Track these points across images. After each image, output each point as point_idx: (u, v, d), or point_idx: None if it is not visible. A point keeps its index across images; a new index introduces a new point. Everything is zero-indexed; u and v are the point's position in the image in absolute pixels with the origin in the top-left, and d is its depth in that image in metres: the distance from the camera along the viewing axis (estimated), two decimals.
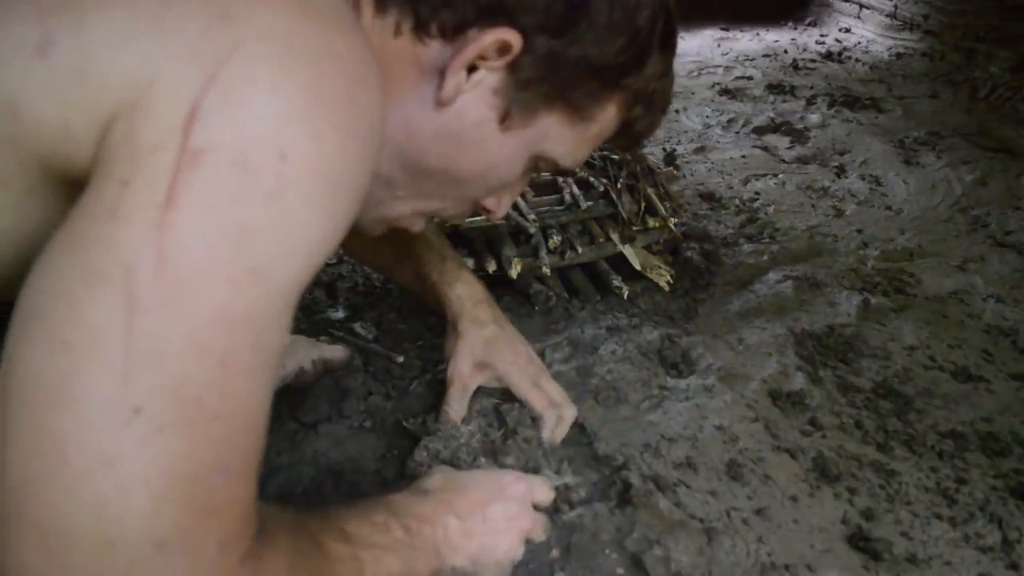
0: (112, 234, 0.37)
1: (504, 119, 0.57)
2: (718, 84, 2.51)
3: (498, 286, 1.19)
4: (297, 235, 0.41)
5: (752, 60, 2.82)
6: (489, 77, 0.56)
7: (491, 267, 1.16)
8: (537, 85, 0.56)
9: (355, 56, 0.43)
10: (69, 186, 0.42)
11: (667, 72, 0.63)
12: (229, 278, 0.38)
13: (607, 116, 0.62)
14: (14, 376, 0.37)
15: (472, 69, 0.55)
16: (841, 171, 1.85)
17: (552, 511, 0.78)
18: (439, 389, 0.97)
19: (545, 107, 0.58)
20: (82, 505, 0.36)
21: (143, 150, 0.38)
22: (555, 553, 0.74)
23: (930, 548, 0.78)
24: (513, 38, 0.53)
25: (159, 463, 0.37)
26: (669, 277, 1.26)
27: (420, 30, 0.54)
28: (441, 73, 0.54)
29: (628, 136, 0.66)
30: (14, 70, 0.39)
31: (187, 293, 0.37)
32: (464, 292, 0.91)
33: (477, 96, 0.56)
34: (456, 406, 0.87)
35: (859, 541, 0.77)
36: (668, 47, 0.62)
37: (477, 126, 0.57)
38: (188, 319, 0.37)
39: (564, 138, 0.61)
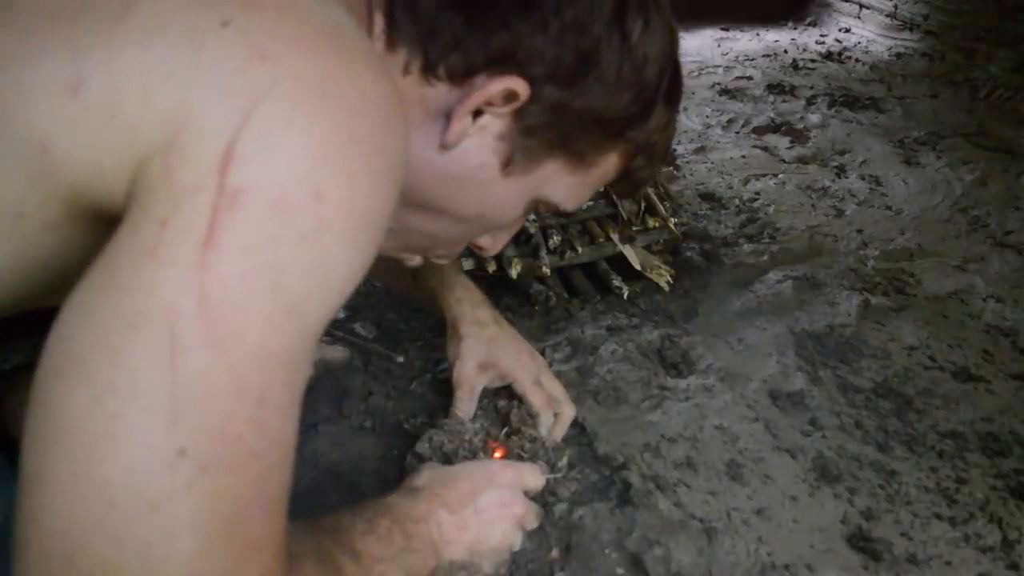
0: (153, 275, 0.37)
1: (507, 164, 0.58)
2: (718, 84, 2.51)
3: (498, 286, 1.19)
4: (330, 273, 0.41)
5: (752, 60, 2.82)
6: (494, 123, 0.56)
7: (491, 267, 1.16)
8: (542, 133, 0.57)
9: (384, 98, 0.43)
10: (95, 221, 0.42)
11: (670, 124, 0.64)
12: (267, 317, 0.38)
13: (608, 164, 0.62)
14: (54, 422, 0.36)
15: (478, 113, 0.55)
16: (841, 171, 1.85)
17: (541, 504, 0.78)
18: (439, 389, 0.97)
19: (548, 154, 0.59)
20: (128, 550, 0.35)
21: (181, 190, 0.37)
22: (555, 553, 0.74)
23: (930, 548, 0.78)
24: (521, 87, 0.53)
25: (204, 505, 0.37)
26: (669, 277, 1.26)
27: (428, 71, 0.54)
28: (446, 115, 0.54)
29: (627, 183, 0.67)
30: (45, 108, 0.39)
31: (229, 333, 0.37)
32: (463, 295, 0.92)
33: (481, 140, 0.56)
34: (465, 408, 0.88)
35: (859, 541, 0.77)
36: (673, 100, 0.63)
37: (479, 169, 0.57)
38: (230, 359, 0.37)
39: (565, 184, 0.62)
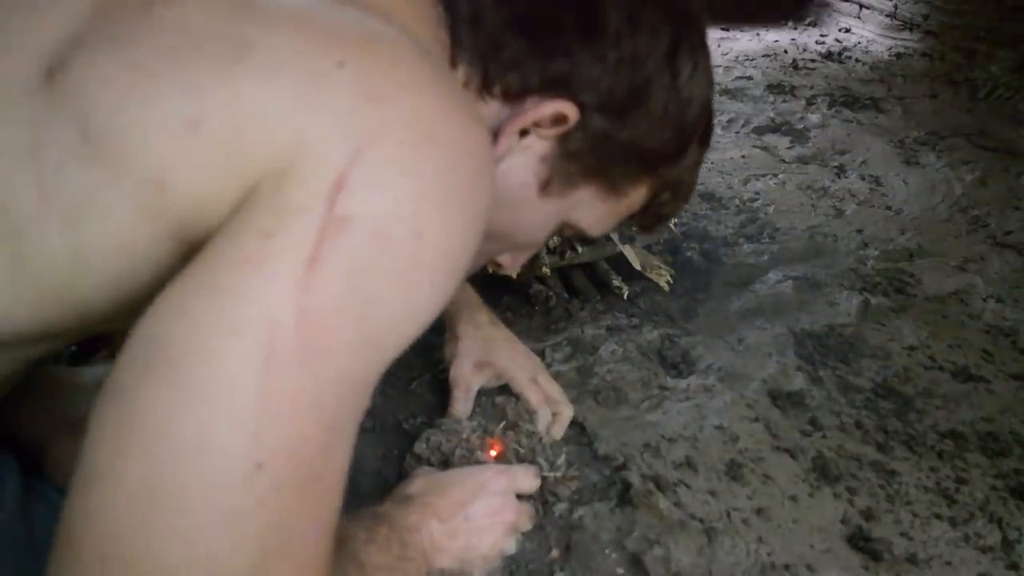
0: (254, 284, 0.37)
1: (545, 186, 0.59)
2: (718, 84, 2.51)
3: (498, 286, 1.19)
4: (414, 311, 0.42)
5: (752, 60, 2.82)
6: (539, 144, 0.57)
7: (491, 267, 1.15)
8: (583, 159, 0.58)
9: (481, 145, 0.45)
10: (193, 247, 0.42)
11: (698, 164, 0.66)
12: (354, 344, 0.39)
13: (638, 195, 0.64)
14: (135, 420, 0.36)
15: (523, 133, 0.56)
16: (841, 171, 1.85)
17: (541, 503, 0.78)
18: (439, 389, 0.97)
19: (585, 180, 0.60)
20: (194, 559, 0.35)
21: (289, 208, 0.38)
22: (555, 553, 0.74)
23: (930, 548, 0.78)
24: (571, 111, 0.55)
25: (271, 522, 0.37)
26: (669, 277, 1.26)
27: (484, 89, 0.55)
28: (494, 132, 0.55)
29: (650, 216, 0.68)
30: (162, 146, 0.40)
31: (319, 354, 0.38)
32: (461, 298, 0.93)
33: (524, 160, 0.57)
34: (462, 407, 0.89)
35: (859, 541, 0.77)
36: (705, 141, 0.65)
37: (518, 188, 0.59)
38: (315, 379, 0.38)
39: (595, 210, 0.63)
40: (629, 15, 0.55)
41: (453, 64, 0.54)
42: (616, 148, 0.58)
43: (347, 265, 0.38)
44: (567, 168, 0.58)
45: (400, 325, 0.41)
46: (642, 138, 0.58)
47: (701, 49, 0.59)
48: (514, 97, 0.55)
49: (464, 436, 0.83)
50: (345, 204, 0.38)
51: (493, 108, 0.55)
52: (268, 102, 0.40)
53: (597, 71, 0.54)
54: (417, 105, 0.42)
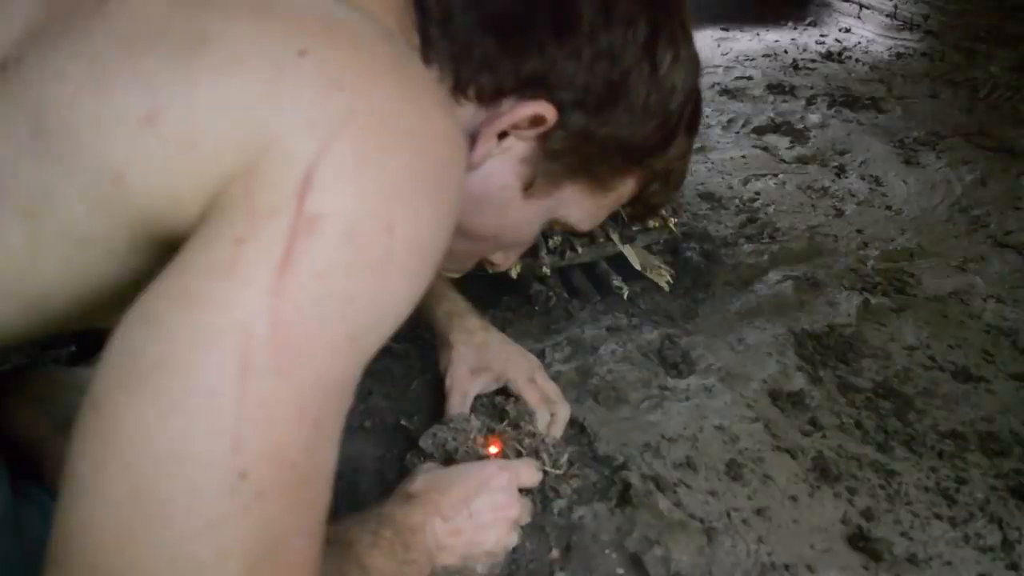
0: (229, 293, 0.36)
1: (528, 187, 0.58)
2: (718, 84, 2.51)
3: (498, 286, 1.19)
4: (392, 305, 0.41)
5: (752, 60, 2.82)
6: (518, 145, 0.56)
7: (488, 266, 1.15)
8: (565, 157, 0.57)
9: (450, 135, 0.44)
10: (157, 247, 0.42)
11: (687, 153, 0.65)
12: (333, 346, 0.39)
13: (625, 188, 0.63)
14: (117, 435, 0.36)
15: (502, 135, 0.55)
16: (841, 171, 1.85)
17: (541, 500, 0.78)
18: (439, 388, 0.97)
19: (569, 177, 0.60)
20: (180, 569, 0.35)
21: (260, 212, 0.38)
22: (555, 553, 0.74)
23: (930, 548, 0.78)
24: (549, 112, 0.54)
25: (256, 529, 0.37)
26: (669, 277, 1.26)
27: (458, 91, 0.54)
28: (471, 135, 0.55)
29: (640, 207, 0.68)
30: (119, 139, 0.39)
31: (297, 359, 0.37)
32: (451, 308, 0.93)
33: (504, 162, 0.57)
34: (456, 412, 0.88)
35: (859, 541, 0.77)
36: (692, 130, 0.64)
37: (501, 190, 0.58)
38: (295, 385, 0.37)
39: (582, 205, 0.63)
40: (603, 8, 0.53)
41: (425, 65, 0.53)
42: (598, 144, 0.57)
43: (319, 266, 0.38)
44: (550, 168, 0.58)
45: (376, 321, 0.41)
46: (625, 132, 0.57)
47: (682, 37, 0.58)
48: (489, 99, 0.54)
49: (471, 436, 0.83)
50: (314, 202, 0.38)
51: (468, 111, 0.54)
52: (228, 97, 0.39)
53: (573, 68, 0.53)
54: (382, 94, 0.41)
